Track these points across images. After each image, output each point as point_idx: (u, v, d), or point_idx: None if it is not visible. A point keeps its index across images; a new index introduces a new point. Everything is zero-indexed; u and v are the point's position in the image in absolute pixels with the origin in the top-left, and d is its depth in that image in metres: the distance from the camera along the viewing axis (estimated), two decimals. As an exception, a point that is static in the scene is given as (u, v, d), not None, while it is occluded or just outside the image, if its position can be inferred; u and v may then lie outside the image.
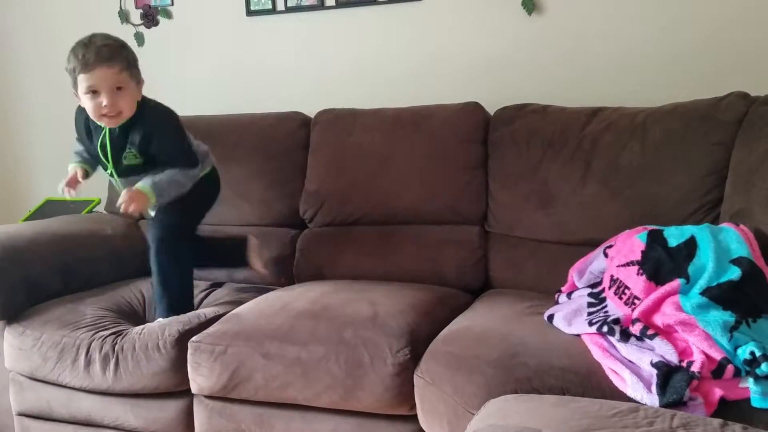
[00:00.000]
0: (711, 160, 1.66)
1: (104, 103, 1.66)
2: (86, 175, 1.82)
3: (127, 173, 1.77)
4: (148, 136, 1.72)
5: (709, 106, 1.71)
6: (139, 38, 2.62)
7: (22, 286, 1.82)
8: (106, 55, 1.64)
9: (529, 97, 2.01)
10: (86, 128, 1.79)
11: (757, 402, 1.11)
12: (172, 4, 2.58)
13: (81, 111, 1.77)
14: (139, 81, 1.74)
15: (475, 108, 2.01)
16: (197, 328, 1.66)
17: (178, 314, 1.74)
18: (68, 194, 1.77)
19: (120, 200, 1.66)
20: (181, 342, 1.62)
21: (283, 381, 1.51)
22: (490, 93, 2.12)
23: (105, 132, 1.73)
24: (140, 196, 1.67)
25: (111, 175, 1.81)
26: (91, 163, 1.85)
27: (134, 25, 2.63)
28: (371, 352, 1.45)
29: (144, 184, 1.70)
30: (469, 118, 1.99)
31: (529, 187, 1.85)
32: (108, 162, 1.77)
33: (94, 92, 1.66)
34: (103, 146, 1.74)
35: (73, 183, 1.79)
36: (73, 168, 1.82)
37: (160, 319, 1.73)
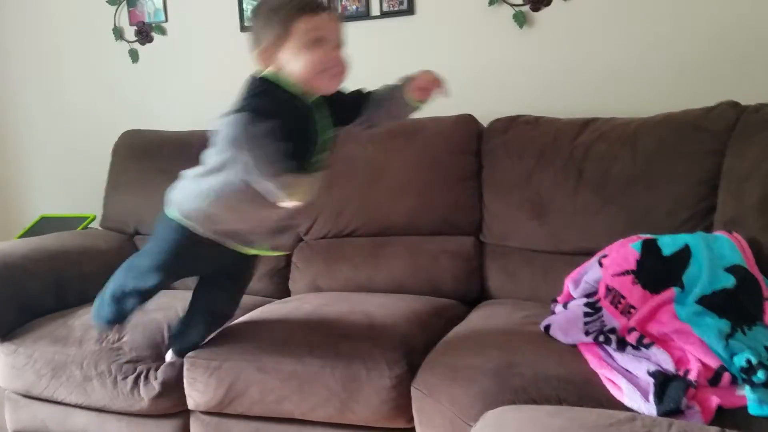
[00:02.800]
0: (703, 168, 1.67)
1: (341, 54, 1.27)
2: None
3: (324, 151, 1.39)
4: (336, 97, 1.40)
5: (700, 115, 1.73)
6: (134, 55, 2.63)
7: (16, 303, 1.81)
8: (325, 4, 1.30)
9: (522, 108, 2.03)
10: (292, 112, 1.28)
11: (753, 409, 1.11)
12: (167, 21, 2.59)
13: (274, 88, 1.29)
14: None
15: (468, 120, 2.02)
16: (188, 348, 1.64)
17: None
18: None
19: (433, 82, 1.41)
20: (173, 365, 1.63)
21: (279, 395, 1.50)
22: (483, 105, 2.13)
23: (317, 105, 1.33)
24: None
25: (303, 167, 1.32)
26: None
27: (128, 41, 2.64)
28: (367, 365, 1.44)
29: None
30: (462, 130, 2.00)
31: (523, 197, 1.85)
32: (320, 146, 1.36)
33: (318, 40, 1.27)
34: (325, 126, 1.34)
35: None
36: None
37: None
